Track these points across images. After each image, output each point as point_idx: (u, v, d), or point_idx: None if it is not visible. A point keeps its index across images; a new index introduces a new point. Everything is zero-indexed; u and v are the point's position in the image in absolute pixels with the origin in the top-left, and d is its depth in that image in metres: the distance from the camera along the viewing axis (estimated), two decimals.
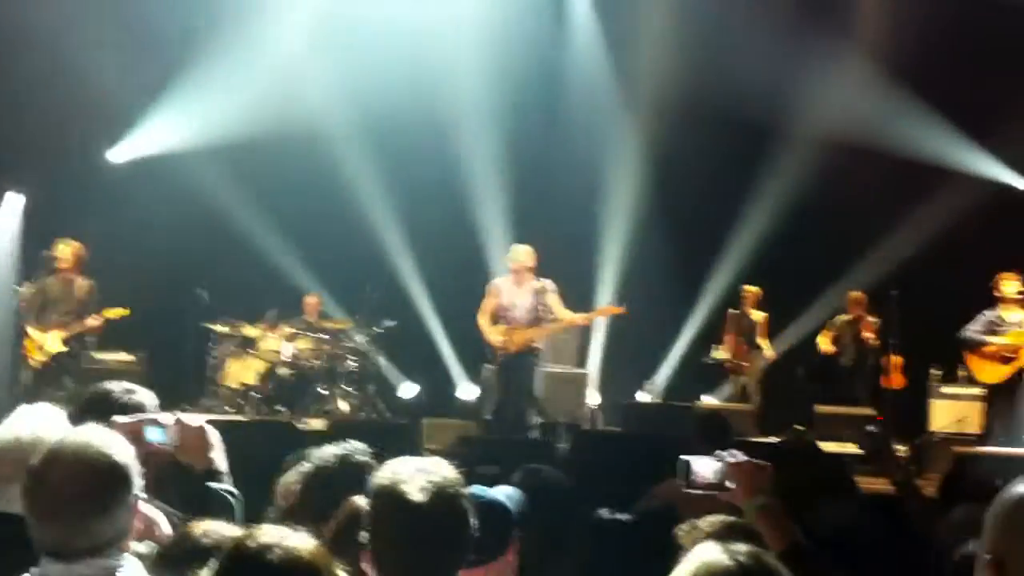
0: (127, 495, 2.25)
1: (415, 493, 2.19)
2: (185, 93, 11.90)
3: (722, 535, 2.42)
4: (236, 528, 2.32)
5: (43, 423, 2.77)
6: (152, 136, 12.23)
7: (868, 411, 10.13)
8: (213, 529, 2.41)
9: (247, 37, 11.60)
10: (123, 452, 2.29)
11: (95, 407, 3.07)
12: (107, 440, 2.30)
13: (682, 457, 2.68)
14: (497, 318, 9.03)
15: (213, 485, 2.89)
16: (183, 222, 11.54)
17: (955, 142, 11.69)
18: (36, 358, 9.64)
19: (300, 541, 1.88)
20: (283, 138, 11.61)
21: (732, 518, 2.61)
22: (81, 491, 2.18)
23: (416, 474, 2.23)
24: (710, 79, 11.20)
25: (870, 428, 3.66)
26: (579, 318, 9.36)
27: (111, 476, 2.23)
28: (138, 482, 2.30)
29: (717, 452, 2.71)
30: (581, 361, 11.40)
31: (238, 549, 1.88)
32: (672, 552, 2.61)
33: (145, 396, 3.21)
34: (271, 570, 1.82)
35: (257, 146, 11.68)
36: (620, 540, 2.81)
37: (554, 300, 9.06)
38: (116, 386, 3.24)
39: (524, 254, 9.09)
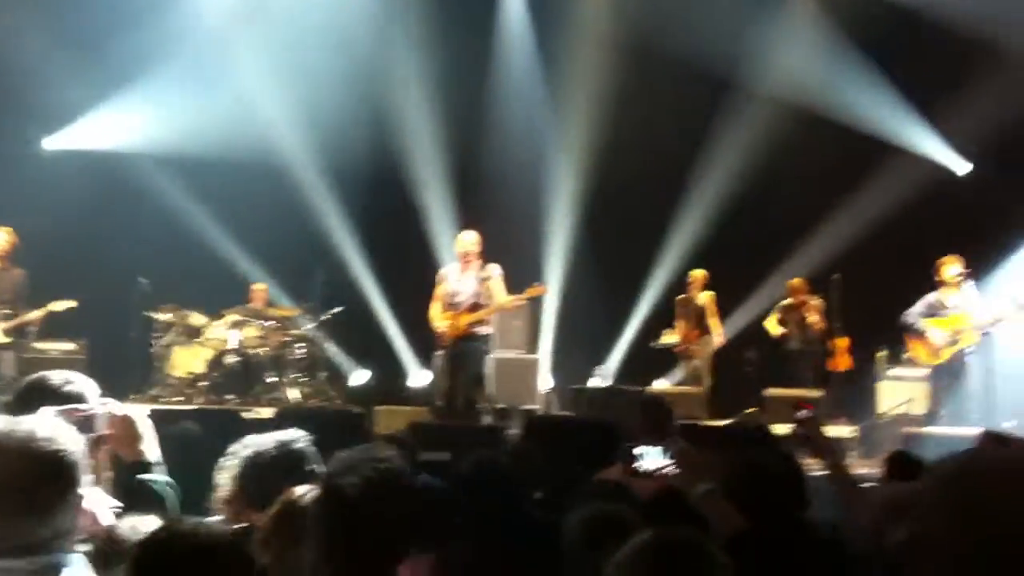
0: (72, 490, 2.14)
1: (354, 486, 2.16)
2: (131, 95, 11.75)
3: None
4: (164, 521, 2.26)
5: None
6: (94, 131, 12.09)
7: (817, 393, 10.25)
8: (140, 524, 2.35)
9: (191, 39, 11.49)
10: (71, 445, 2.17)
11: (32, 397, 2.97)
12: (55, 432, 2.17)
13: (627, 445, 2.68)
14: (446, 305, 9.02)
15: (143, 477, 2.81)
16: (124, 212, 11.38)
17: (904, 118, 11.77)
18: None
19: (214, 530, 1.83)
20: (226, 128, 11.45)
21: None
22: (21, 484, 2.07)
23: (360, 465, 2.20)
24: (661, 29, 11.09)
25: (801, 412, 3.67)
26: (506, 301, 9.34)
27: (55, 470, 2.11)
28: (85, 477, 2.19)
29: (664, 440, 2.71)
30: (532, 346, 11.40)
31: (151, 539, 1.85)
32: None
33: (85, 385, 3.04)
34: (182, 559, 1.78)
35: (201, 138, 11.53)
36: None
37: (496, 285, 9.03)
38: (55, 375, 3.09)
39: (469, 241, 9.06)
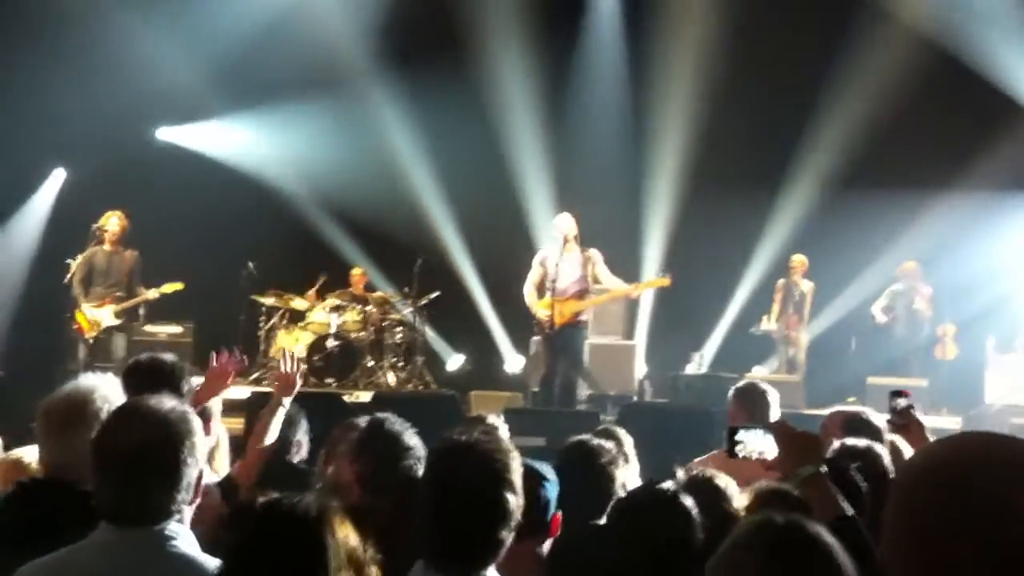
0: (195, 461, 2.23)
1: (466, 466, 2.20)
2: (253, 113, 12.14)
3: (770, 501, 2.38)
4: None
5: (105, 386, 2.78)
6: (210, 135, 12.57)
7: (921, 382, 9.99)
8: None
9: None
10: (195, 421, 2.28)
11: (135, 376, 3.12)
12: (179, 406, 2.29)
13: (729, 426, 2.66)
14: (544, 289, 8.93)
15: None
16: (231, 197, 11.66)
17: None
18: (91, 333, 9.78)
19: (312, 503, 1.87)
20: (332, 115, 11.70)
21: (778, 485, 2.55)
22: (150, 448, 2.16)
23: (471, 447, 2.24)
24: None
25: (898, 400, 3.63)
26: (629, 289, 9.22)
27: (181, 439, 2.20)
28: (204, 453, 2.29)
29: (766, 422, 2.68)
30: (629, 332, 11.33)
31: (259, 510, 1.91)
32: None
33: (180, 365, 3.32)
34: (284, 528, 1.84)
35: (309, 126, 11.79)
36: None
37: (602, 270, 8.94)
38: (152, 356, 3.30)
39: (568, 222, 8.95)
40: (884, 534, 1.19)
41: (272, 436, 3.69)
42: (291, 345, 11.15)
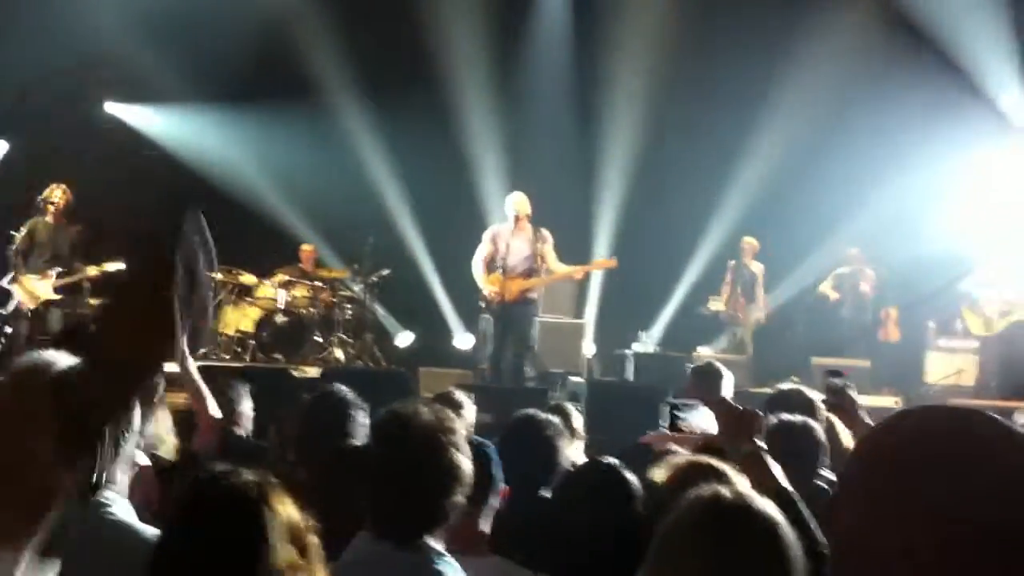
0: (132, 435, 2.23)
1: (404, 439, 2.21)
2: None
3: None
4: None
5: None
6: (160, 119, 12.43)
7: (864, 363, 10.16)
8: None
9: None
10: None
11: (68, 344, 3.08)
12: None
13: (670, 400, 2.69)
14: (493, 265, 8.95)
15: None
16: (178, 172, 11.51)
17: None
18: (30, 306, 9.62)
19: (251, 479, 1.85)
20: (279, 91, 11.56)
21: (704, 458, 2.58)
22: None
23: (411, 418, 2.25)
24: None
25: (833, 380, 3.69)
26: (573, 271, 9.31)
27: None
28: (138, 427, 2.27)
29: (706, 399, 2.70)
30: (578, 311, 11.38)
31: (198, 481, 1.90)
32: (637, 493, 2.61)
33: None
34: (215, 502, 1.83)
35: (255, 99, 11.65)
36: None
37: (549, 251, 9.01)
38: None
39: (522, 201, 9.01)
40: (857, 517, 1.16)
41: (212, 403, 3.58)
42: (240, 320, 11.06)
